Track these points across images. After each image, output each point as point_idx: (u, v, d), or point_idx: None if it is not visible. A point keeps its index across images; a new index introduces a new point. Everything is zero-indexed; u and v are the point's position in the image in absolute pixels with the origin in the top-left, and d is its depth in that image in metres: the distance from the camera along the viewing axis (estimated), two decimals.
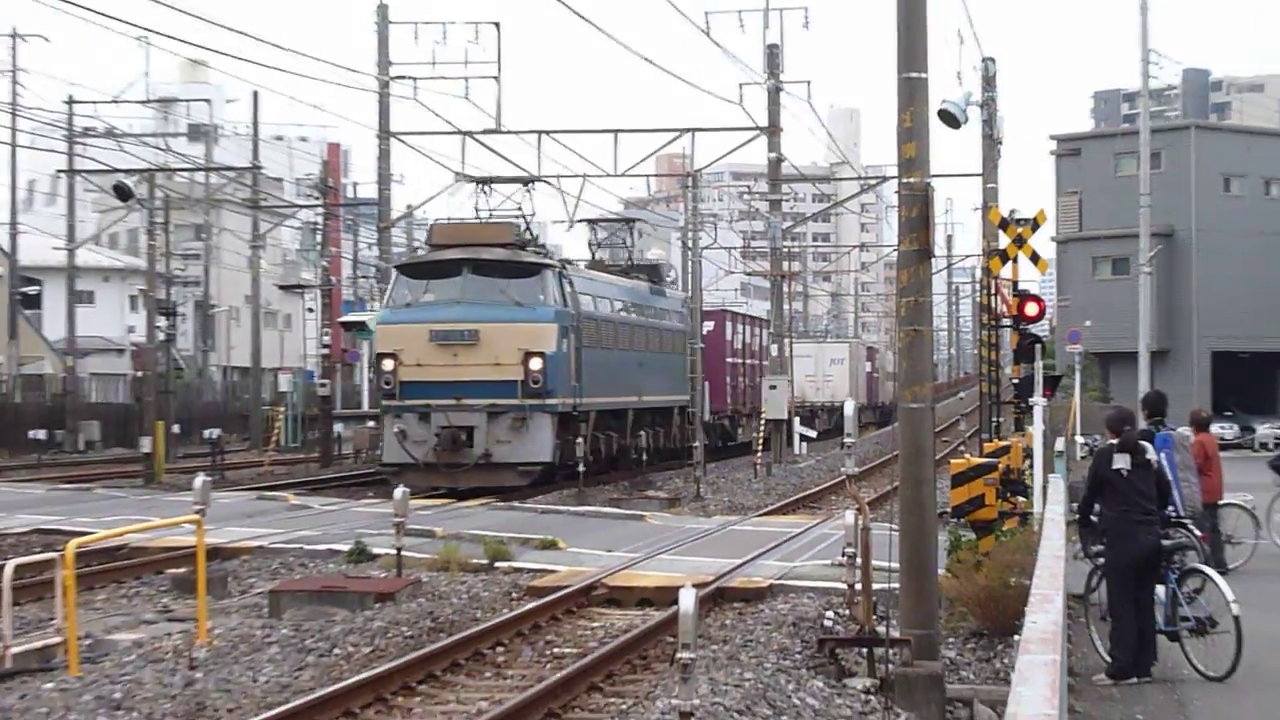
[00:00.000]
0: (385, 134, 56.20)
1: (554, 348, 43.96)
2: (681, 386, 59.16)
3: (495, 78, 54.29)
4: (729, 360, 71.27)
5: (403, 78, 55.54)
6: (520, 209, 50.88)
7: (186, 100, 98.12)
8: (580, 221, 61.12)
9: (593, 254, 60.95)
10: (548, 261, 46.78)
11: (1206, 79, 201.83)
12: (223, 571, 26.58)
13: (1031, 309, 35.08)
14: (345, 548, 29.20)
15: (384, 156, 56.73)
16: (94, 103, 76.82)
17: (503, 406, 42.85)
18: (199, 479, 23.08)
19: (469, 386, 42.97)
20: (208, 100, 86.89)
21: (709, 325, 66.70)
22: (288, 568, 28.32)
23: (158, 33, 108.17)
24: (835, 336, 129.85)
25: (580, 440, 46.02)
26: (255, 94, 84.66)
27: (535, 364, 42.98)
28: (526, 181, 52.01)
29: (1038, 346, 33.84)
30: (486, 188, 51.58)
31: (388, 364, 43.49)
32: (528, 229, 49.10)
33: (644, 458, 54.31)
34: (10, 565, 19.64)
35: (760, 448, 59.41)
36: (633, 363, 53.66)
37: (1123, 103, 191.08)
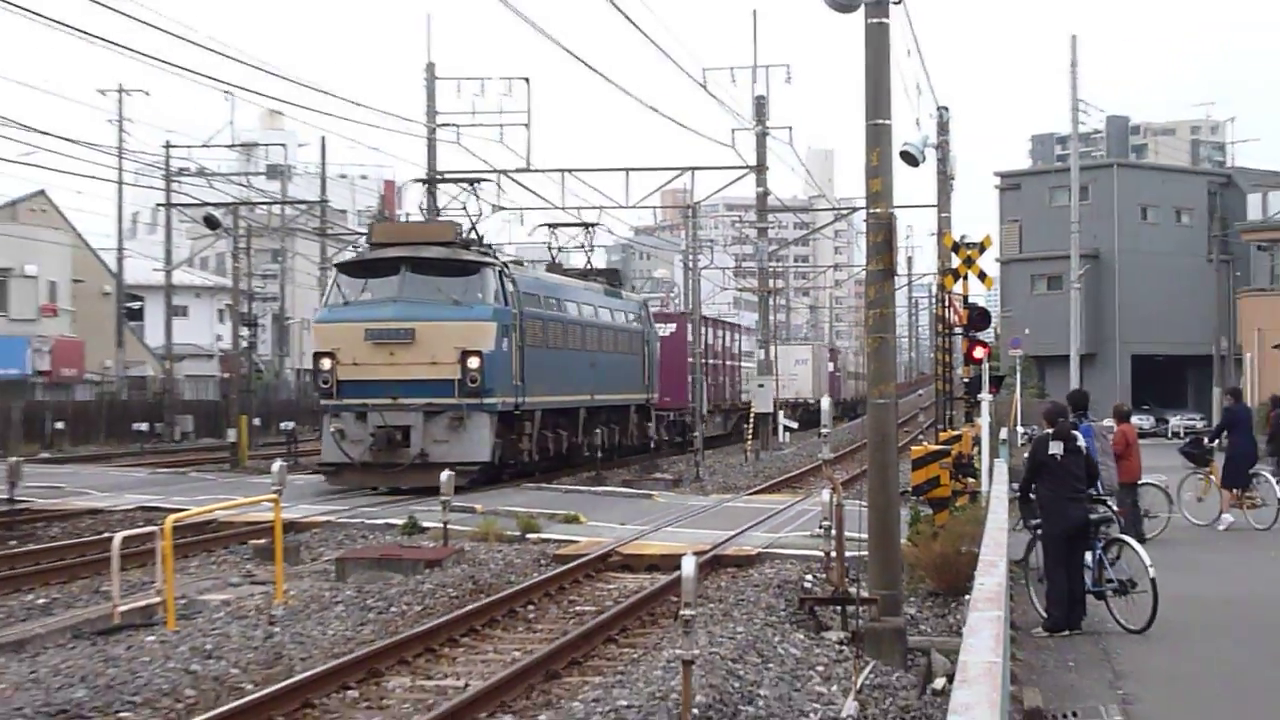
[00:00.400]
0: (432, 173, 56.17)
1: (493, 346, 37.27)
2: (637, 385, 52.44)
3: (525, 125, 54.35)
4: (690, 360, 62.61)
5: (447, 125, 55.54)
6: (465, 208, 43.31)
7: (265, 144, 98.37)
8: (541, 225, 55.08)
9: (552, 257, 53.49)
10: (487, 260, 39.25)
11: (1127, 124, 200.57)
12: (296, 542, 26.57)
13: (980, 321, 35.15)
14: (400, 522, 29.19)
15: (431, 192, 56.64)
16: (187, 147, 76.84)
17: (440, 406, 36.38)
18: (277, 464, 23.17)
19: (406, 386, 36.50)
20: (283, 144, 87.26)
21: (671, 327, 62.30)
22: (351, 539, 28.36)
23: (241, 88, 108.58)
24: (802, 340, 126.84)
25: (525, 439, 40.48)
26: (323, 139, 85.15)
27: (473, 363, 36.44)
28: (473, 181, 44.45)
29: (983, 352, 33.89)
30: (433, 187, 45.36)
31: (325, 363, 36.96)
32: (473, 229, 41.43)
33: (598, 455, 45.60)
34: (118, 537, 19.67)
35: (750, 436, 59.58)
36: (584, 362, 45.91)
37: (1056, 144, 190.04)
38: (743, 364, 74.54)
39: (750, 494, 39.55)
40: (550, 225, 53.47)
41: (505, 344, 38.18)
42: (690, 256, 72.36)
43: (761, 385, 60.58)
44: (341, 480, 37.18)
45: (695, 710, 13.15)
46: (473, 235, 40.95)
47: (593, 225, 54.25)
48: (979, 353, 33.78)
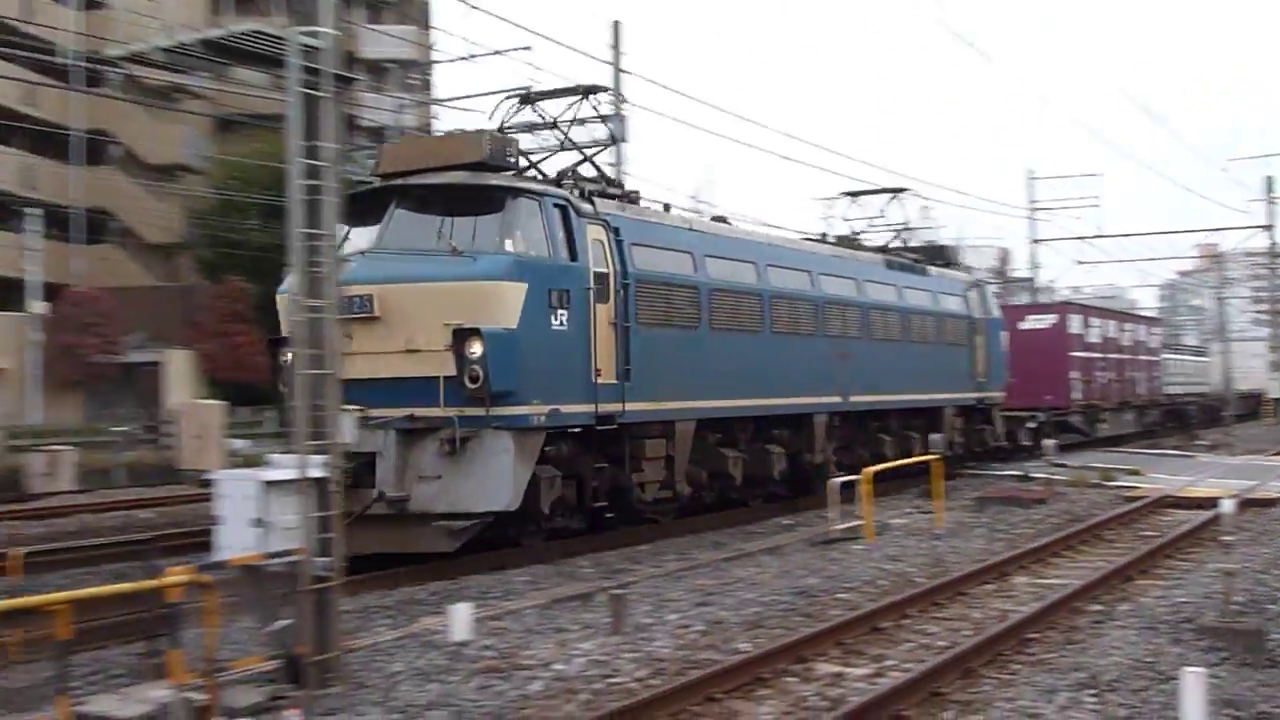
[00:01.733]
0: (1034, 240, 55.07)
1: (516, 321, 14.64)
2: (959, 382, 28.00)
3: (1096, 205, 53.60)
4: (1074, 355, 39.01)
5: (1041, 208, 55.22)
6: (558, 127, 18.27)
7: (919, 228, 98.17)
8: (844, 194, 29.24)
9: (853, 229, 28.77)
10: (527, 187, 15.76)
11: None
12: (950, 486, 26.10)
13: None
14: (1017, 473, 28.40)
15: (1032, 256, 55.45)
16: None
17: (425, 420, 14.47)
18: (937, 436, 22.81)
19: (374, 389, 14.38)
20: (930, 226, 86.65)
21: (1050, 319, 38.85)
22: (986, 483, 27.69)
23: (907, 190, 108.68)
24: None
25: (649, 464, 17.62)
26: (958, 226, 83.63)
27: (473, 349, 14.27)
28: (588, 91, 17.97)
29: None
30: (536, 105, 18.33)
31: (284, 354, 14.72)
32: (587, 160, 18.15)
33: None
34: (834, 482, 19.85)
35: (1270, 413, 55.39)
36: (820, 352, 22.08)
37: None
38: (1162, 358, 52.51)
39: (1271, 455, 36.25)
40: (851, 194, 29.56)
41: (560, 318, 15.44)
42: (1218, 289, 67.53)
43: (1273, 379, 57.40)
44: None
45: (1234, 605, 12.15)
46: (586, 169, 18.17)
47: (900, 190, 29.94)
48: None
